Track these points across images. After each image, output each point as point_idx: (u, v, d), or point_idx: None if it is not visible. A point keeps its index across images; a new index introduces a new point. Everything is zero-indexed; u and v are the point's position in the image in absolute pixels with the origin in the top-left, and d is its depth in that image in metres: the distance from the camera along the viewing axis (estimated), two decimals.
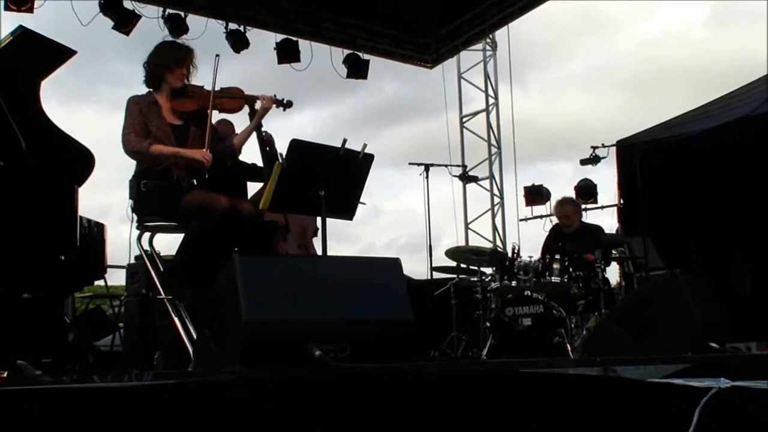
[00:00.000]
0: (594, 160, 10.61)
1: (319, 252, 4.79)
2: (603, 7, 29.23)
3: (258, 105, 4.90)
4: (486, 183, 13.40)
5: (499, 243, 13.25)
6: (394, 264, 3.50)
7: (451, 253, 7.92)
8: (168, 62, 4.78)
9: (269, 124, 5.65)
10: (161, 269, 4.69)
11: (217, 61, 4.78)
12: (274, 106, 4.95)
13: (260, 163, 5.65)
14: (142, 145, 4.54)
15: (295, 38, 10.66)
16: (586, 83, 30.46)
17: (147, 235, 4.72)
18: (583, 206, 10.74)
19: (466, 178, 12.11)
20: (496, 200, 13.46)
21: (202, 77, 4.90)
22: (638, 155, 8.59)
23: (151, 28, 9.50)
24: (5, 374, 2.40)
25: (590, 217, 11.13)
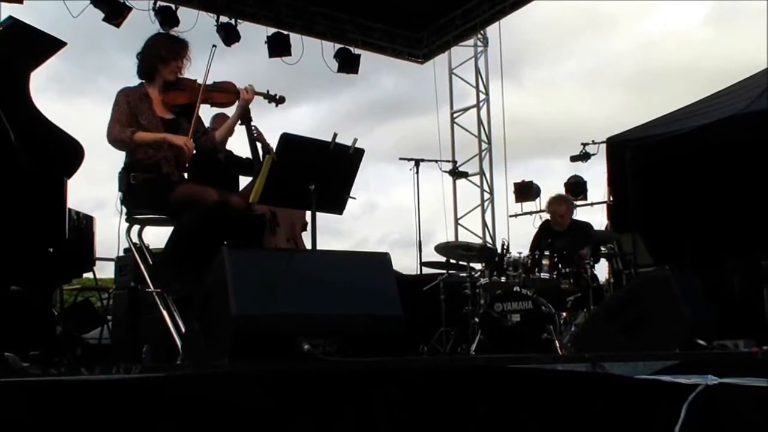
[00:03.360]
0: (584, 156, 10.63)
1: (309, 246, 4.78)
2: (602, 5, 29.33)
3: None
4: (476, 179, 13.41)
5: (488, 239, 13.26)
6: (384, 259, 3.50)
7: (441, 248, 7.92)
8: (164, 54, 4.75)
9: (262, 119, 5.64)
10: (150, 262, 4.67)
11: (212, 52, 4.76)
12: (261, 98, 4.95)
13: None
14: (125, 133, 4.51)
15: (286, 32, 10.64)
16: (584, 81, 30.59)
17: (136, 227, 4.70)
18: (573, 203, 10.76)
19: (456, 173, 12.12)
20: (486, 196, 13.47)
21: (193, 71, 4.90)
22: (628, 152, 8.62)
23: (143, 21, 9.49)
24: None
25: (580, 213, 11.16)
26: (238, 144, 5.62)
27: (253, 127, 5.40)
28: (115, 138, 4.55)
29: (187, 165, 4.85)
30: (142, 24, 9.45)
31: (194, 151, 4.85)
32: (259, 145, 5.58)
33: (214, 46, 4.80)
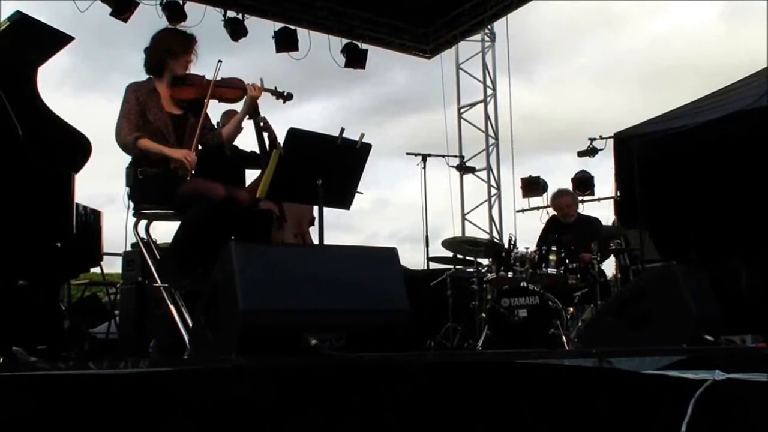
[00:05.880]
0: (591, 152, 10.62)
1: (317, 241, 4.78)
2: (615, 2, 29.22)
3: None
4: (483, 174, 13.40)
5: (495, 234, 13.25)
6: (391, 254, 3.49)
7: (448, 243, 7.93)
8: (174, 48, 4.75)
9: (270, 116, 5.62)
10: (157, 257, 4.68)
11: (218, 67, 4.76)
12: (269, 95, 4.96)
13: (258, 151, 5.64)
14: (129, 138, 4.53)
15: (293, 27, 10.64)
16: (594, 77, 30.49)
17: (143, 222, 4.71)
18: (580, 198, 10.75)
19: (463, 168, 12.12)
20: (493, 191, 13.46)
21: (200, 66, 4.90)
22: (635, 147, 8.60)
23: (150, 16, 9.52)
24: (0, 360, 2.40)
25: (587, 208, 11.15)
26: (244, 137, 5.62)
27: (260, 119, 5.40)
28: (122, 140, 4.58)
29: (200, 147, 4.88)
30: (150, 19, 9.49)
31: (201, 148, 4.86)
32: (265, 134, 5.57)
33: (219, 61, 4.79)
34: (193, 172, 4.76)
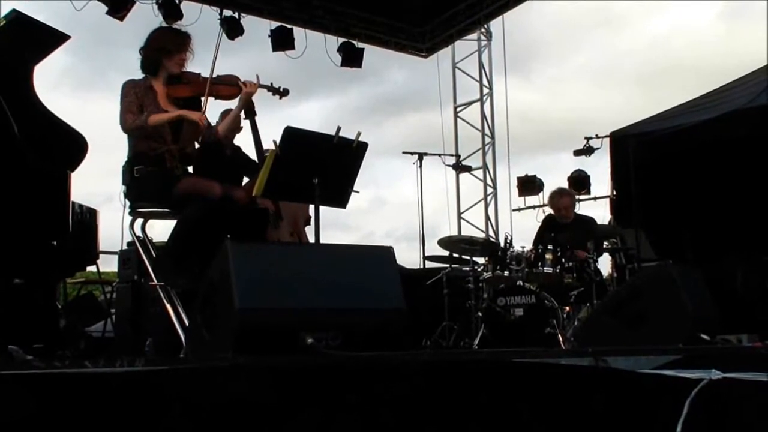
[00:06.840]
0: (587, 151, 10.59)
1: (313, 240, 4.78)
2: (614, 2, 29.23)
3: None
4: (479, 173, 13.39)
5: (491, 233, 13.24)
6: (387, 253, 3.50)
7: (444, 242, 7.92)
8: (168, 47, 4.75)
9: (268, 114, 5.61)
10: (153, 255, 4.68)
11: (219, 38, 4.76)
12: (265, 91, 4.95)
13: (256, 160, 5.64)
14: (141, 119, 4.52)
15: (289, 26, 10.63)
16: (591, 77, 30.52)
17: (140, 221, 4.71)
18: (576, 197, 10.74)
19: (459, 167, 12.11)
20: (489, 190, 13.45)
21: (196, 64, 4.89)
22: (632, 146, 8.60)
23: (147, 15, 9.51)
24: None
25: (583, 208, 11.14)
26: (243, 142, 5.63)
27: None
28: (130, 126, 4.56)
29: (197, 145, 4.87)
30: (147, 18, 9.47)
31: (198, 146, 4.87)
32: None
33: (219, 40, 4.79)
34: (189, 169, 4.77)
